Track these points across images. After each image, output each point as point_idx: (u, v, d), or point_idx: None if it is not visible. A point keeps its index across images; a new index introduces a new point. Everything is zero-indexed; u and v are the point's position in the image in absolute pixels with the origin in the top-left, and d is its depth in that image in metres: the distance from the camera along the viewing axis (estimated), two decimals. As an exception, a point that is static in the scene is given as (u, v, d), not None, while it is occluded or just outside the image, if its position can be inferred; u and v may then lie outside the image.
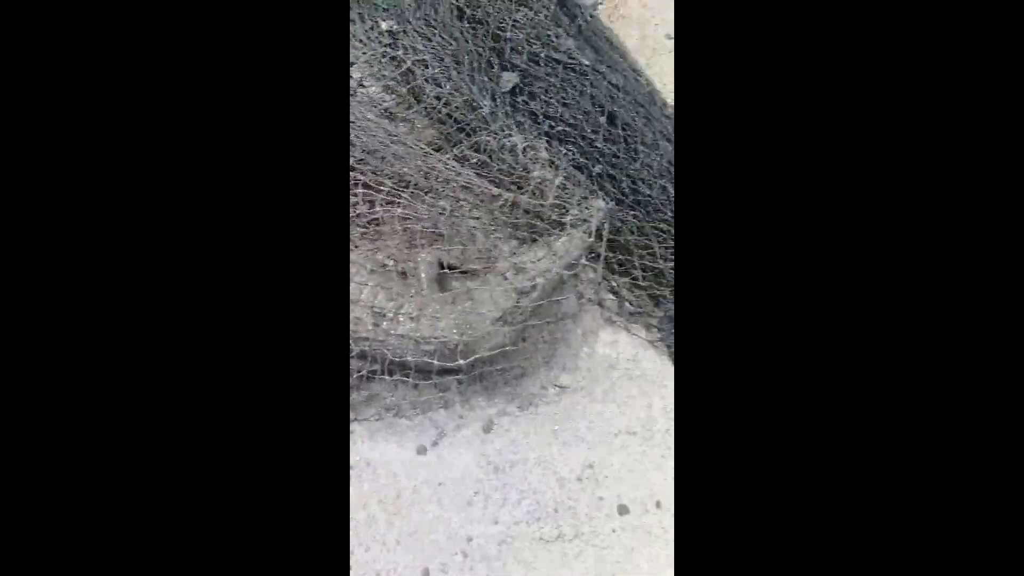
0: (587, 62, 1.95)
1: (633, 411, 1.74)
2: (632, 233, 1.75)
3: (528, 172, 1.76)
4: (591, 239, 1.65)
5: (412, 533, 1.56)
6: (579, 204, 1.69)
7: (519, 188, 1.76)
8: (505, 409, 1.73)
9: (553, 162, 1.77)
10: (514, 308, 1.58)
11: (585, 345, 1.80)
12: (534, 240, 1.71)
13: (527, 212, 1.73)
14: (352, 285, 1.58)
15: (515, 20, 2.13)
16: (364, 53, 2.15)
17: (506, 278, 1.63)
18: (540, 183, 1.74)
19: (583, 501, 1.62)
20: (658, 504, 1.62)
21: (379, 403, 1.69)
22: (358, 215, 1.85)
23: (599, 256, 1.75)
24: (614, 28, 2.34)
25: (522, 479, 1.65)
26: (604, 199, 1.73)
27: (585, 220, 1.65)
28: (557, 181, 1.70)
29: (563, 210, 1.68)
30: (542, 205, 1.69)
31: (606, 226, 1.70)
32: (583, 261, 1.61)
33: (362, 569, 1.52)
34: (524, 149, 1.78)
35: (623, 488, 1.64)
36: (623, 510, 1.61)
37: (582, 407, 1.75)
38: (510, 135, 1.81)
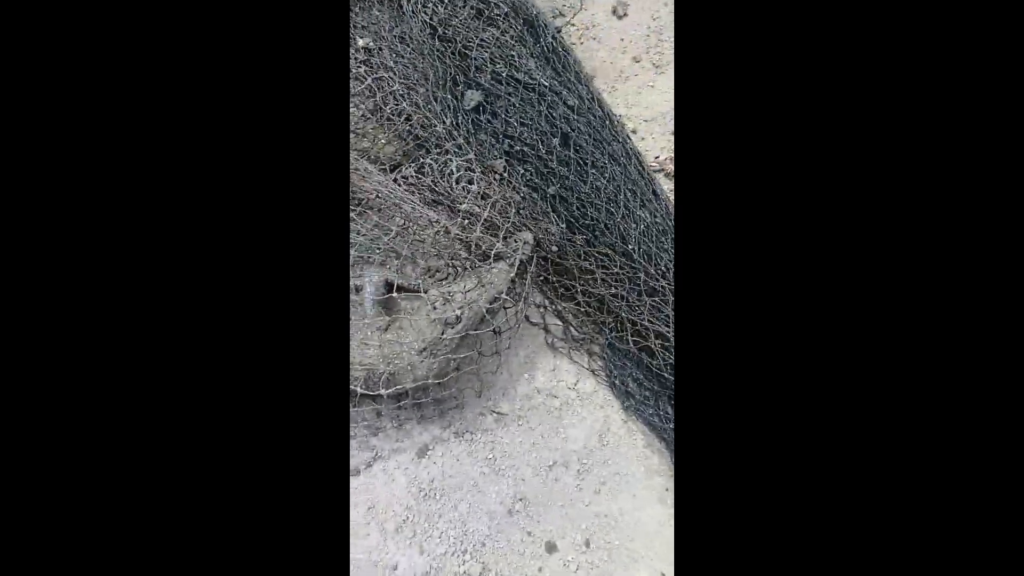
0: (546, 83, 1.88)
1: (569, 442, 1.66)
2: (578, 257, 1.67)
3: (459, 202, 1.70)
4: (514, 272, 1.57)
5: (338, 557, 1.51)
6: (507, 237, 1.62)
7: (454, 215, 1.71)
8: (441, 436, 1.66)
9: (486, 194, 1.71)
10: (438, 340, 1.52)
11: (525, 371, 1.72)
12: (464, 269, 1.64)
13: (459, 240, 1.67)
14: None
15: (482, 39, 2.08)
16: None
17: (435, 308, 1.57)
18: (470, 213, 1.68)
19: (512, 536, 1.54)
20: (587, 543, 1.52)
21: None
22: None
23: (521, 294, 1.68)
24: (581, 50, 2.26)
25: (452, 508, 1.58)
26: (547, 227, 1.66)
27: (512, 252, 1.57)
28: (486, 213, 1.64)
29: (491, 242, 1.62)
30: (469, 236, 1.63)
31: (533, 260, 1.63)
32: (504, 296, 1.53)
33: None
34: (458, 178, 1.73)
35: (553, 523, 1.55)
36: (551, 547, 1.52)
37: (519, 436, 1.67)
38: (450, 159, 1.76)
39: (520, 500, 1.58)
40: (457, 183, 1.71)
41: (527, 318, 1.77)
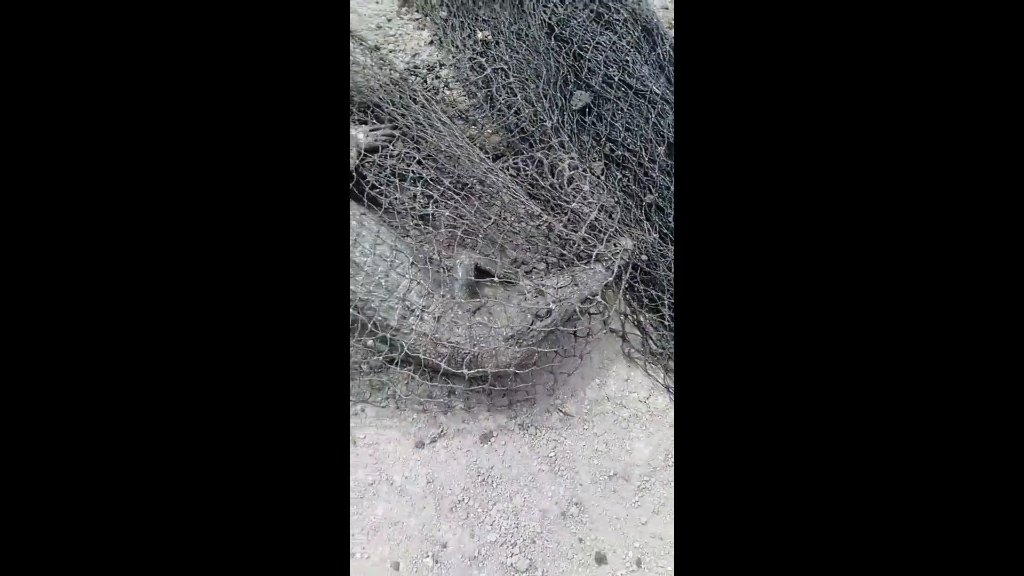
0: (658, 91, 1.80)
1: (633, 456, 1.58)
2: (668, 270, 1.58)
3: (568, 200, 1.66)
4: (611, 277, 1.52)
5: (394, 522, 1.53)
6: (608, 241, 1.56)
7: (558, 212, 1.67)
8: (506, 425, 1.64)
9: (592, 193, 1.66)
10: (527, 330, 1.49)
11: (598, 376, 1.66)
12: (560, 267, 1.60)
13: (560, 238, 1.63)
14: (393, 275, 1.59)
15: (598, 42, 2.03)
16: (455, 58, 2.17)
17: (526, 298, 1.54)
18: (577, 213, 1.64)
19: (563, 539, 1.49)
20: (638, 563, 1.44)
21: (389, 391, 1.68)
22: (413, 208, 1.86)
23: (612, 299, 1.61)
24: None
25: (507, 499, 1.55)
26: (640, 236, 1.58)
27: (611, 256, 1.52)
28: (594, 214, 1.59)
29: (592, 244, 1.57)
30: (572, 233, 1.59)
31: (629, 266, 1.56)
32: (598, 298, 1.48)
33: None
34: (570, 177, 1.69)
35: (606, 535, 1.48)
36: (600, 559, 1.46)
37: (583, 440, 1.61)
38: (561, 156, 1.72)
39: (575, 504, 1.52)
40: (569, 182, 1.67)
41: (605, 322, 1.71)
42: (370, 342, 1.62)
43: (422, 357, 1.56)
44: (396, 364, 1.60)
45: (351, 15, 2.33)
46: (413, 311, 1.57)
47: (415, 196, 1.90)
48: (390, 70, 2.06)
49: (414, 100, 1.97)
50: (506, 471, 1.59)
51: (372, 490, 1.57)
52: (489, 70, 1.99)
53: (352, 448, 1.63)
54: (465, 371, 1.49)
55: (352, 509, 1.54)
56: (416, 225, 1.87)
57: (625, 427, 1.61)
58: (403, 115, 1.96)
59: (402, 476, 1.58)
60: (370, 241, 1.61)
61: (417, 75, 2.11)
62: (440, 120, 1.94)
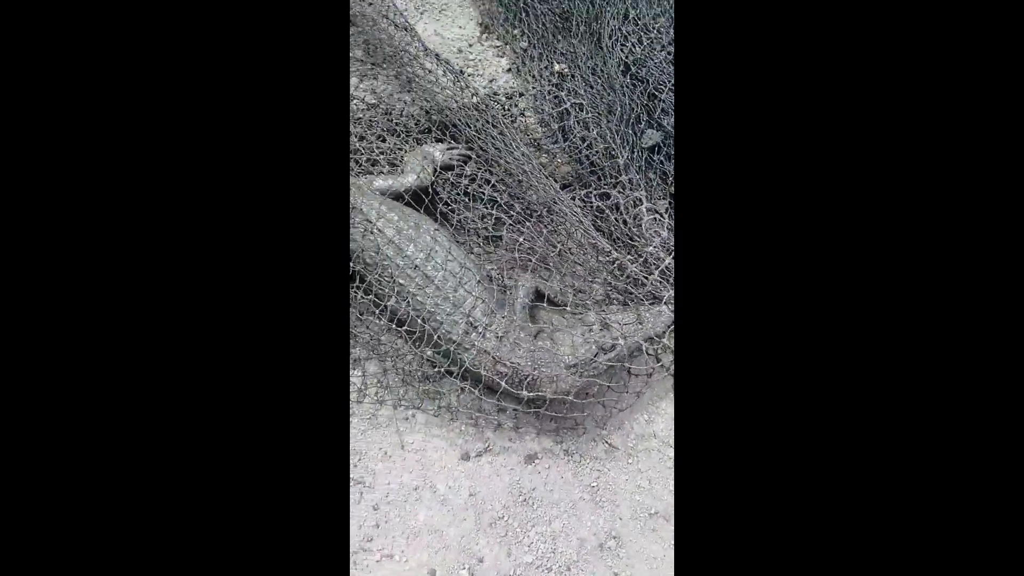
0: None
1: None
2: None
3: (647, 242, 1.69)
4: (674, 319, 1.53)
5: (434, 530, 1.55)
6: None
7: (630, 251, 1.70)
8: (551, 449, 1.65)
9: (666, 241, 1.68)
10: (590, 361, 1.52)
11: (646, 412, 1.66)
12: (626, 304, 1.63)
13: (629, 277, 1.66)
14: (461, 291, 1.63)
15: (673, 84, 2.06)
16: (533, 88, 2.23)
17: (591, 330, 1.56)
18: (652, 256, 1.66)
19: (598, 571, 1.49)
20: (675, 605, 1.43)
21: (442, 401, 1.72)
22: (484, 227, 1.91)
23: (670, 342, 1.62)
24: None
25: (547, 523, 1.56)
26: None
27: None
28: (668, 261, 1.61)
29: (663, 287, 1.59)
30: (646, 277, 1.61)
31: None
32: (664, 339, 1.49)
33: (376, 545, 1.54)
34: (646, 222, 1.71)
35: (642, 573, 1.47)
36: (636, 595, 1.45)
37: (626, 474, 1.61)
38: (639, 197, 1.75)
39: (614, 538, 1.52)
40: (646, 227, 1.70)
41: (659, 360, 1.71)
42: (429, 352, 1.66)
43: (483, 373, 1.59)
44: (455, 376, 1.64)
45: (435, 37, 2.43)
46: (476, 327, 1.60)
47: (483, 216, 1.96)
48: (471, 93, 2.14)
49: (492, 124, 2.04)
50: (547, 494, 1.60)
51: (416, 495, 1.60)
52: (568, 104, 2.04)
53: (399, 452, 1.67)
54: (525, 392, 1.52)
55: (395, 512, 1.57)
56: (482, 244, 1.92)
57: (670, 466, 1.60)
58: (479, 137, 2.02)
59: (446, 485, 1.61)
60: (442, 256, 1.66)
61: (496, 101, 2.18)
62: (516, 146, 2.00)
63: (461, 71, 2.17)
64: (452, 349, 1.62)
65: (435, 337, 1.59)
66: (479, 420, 1.69)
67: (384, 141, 2.04)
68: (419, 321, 1.60)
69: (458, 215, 1.91)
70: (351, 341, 1.78)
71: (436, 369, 1.69)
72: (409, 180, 1.83)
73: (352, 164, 1.98)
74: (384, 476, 1.62)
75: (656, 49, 2.23)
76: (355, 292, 1.72)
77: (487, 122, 2.03)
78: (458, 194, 1.97)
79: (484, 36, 2.54)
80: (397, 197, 1.82)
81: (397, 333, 1.70)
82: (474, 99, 2.12)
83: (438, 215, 1.85)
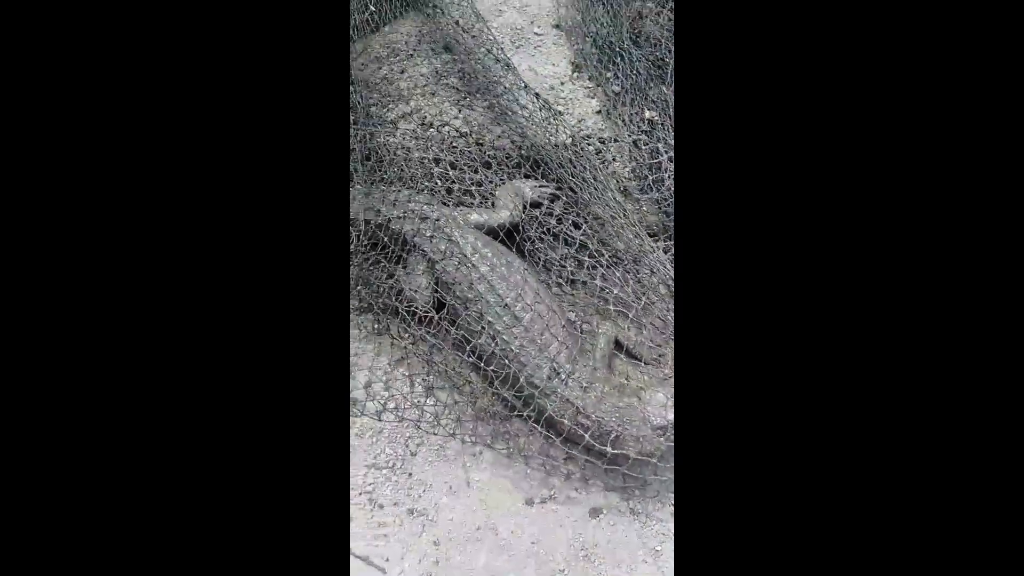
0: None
1: None
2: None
3: None
4: None
5: (492, 571, 1.52)
6: None
7: None
8: (616, 506, 1.61)
9: None
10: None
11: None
12: None
13: None
14: (547, 334, 1.61)
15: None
16: (627, 134, 2.21)
17: None
18: None
19: (660, 641, 1.43)
20: None
21: (513, 442, 1.69)
22: (568, 270, 1.89)
23: None
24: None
25: (608, 583, 1.51)
26: None
27: None
28: None
29: None
30: None
31: None
32: None
33: (427, 569, 1.51)
34: None
35: (709, 653, 1.41)
36: (701, 677, 1.38)
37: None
38: None
39: (679, 610, 1.47)
40: None
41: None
42: (507, 394, 1.64)
43: (567, 423, 1.56)
44: (531, 420, 1.61)
45: (529, 73, 2.45)
46: (559, 374, 1.58)
47: (565, 257, 1.94)
48: (563, 131, 2.14)
49: (583, 166, 2.03)
50: (610, 553, 1.55)
51: (478, 535, 1.57)
52: (664, 157, 2.02)
53: (465, 488, 1.64)
54: (609, 449, 1.48)
55: (455, 551, 1.54)
56: (564, 287, 1.90)
57: (744, 543, 1.54)
58: (571, 177, 2.01)
59: (508, 530, 1.57)
60: (531, 297, 1.65)
61: (589, 143, 2.18)
62: (606, 190, 1.99)
63: (559, 112, 2.18)
64: (535, 395, 1.60)
65: (520, 380, 1.57)
66: (547, 465, 1.66)
67: (476, 172, 2.05)
68: (505, 361, 1.58)
69: (544, 255, 1.90)
70: (425, 368, 1.78)
71: (510, 408, 1.66)
72: (503, 216, 1.83)
73: (442, 192, 2.00)
74: (447, 511, 1.60)
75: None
76: (439, 320, 1.72)
77: (579, 163, 2.03)
78: (544, 233, 1.96)
79: (575, 75, 2.54)
80: (490, 233, 1.82)
81: (478, 369, 1.69)
82: (567, 139, 2.12)
83: (527, 254, 1.84)
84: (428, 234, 1.74)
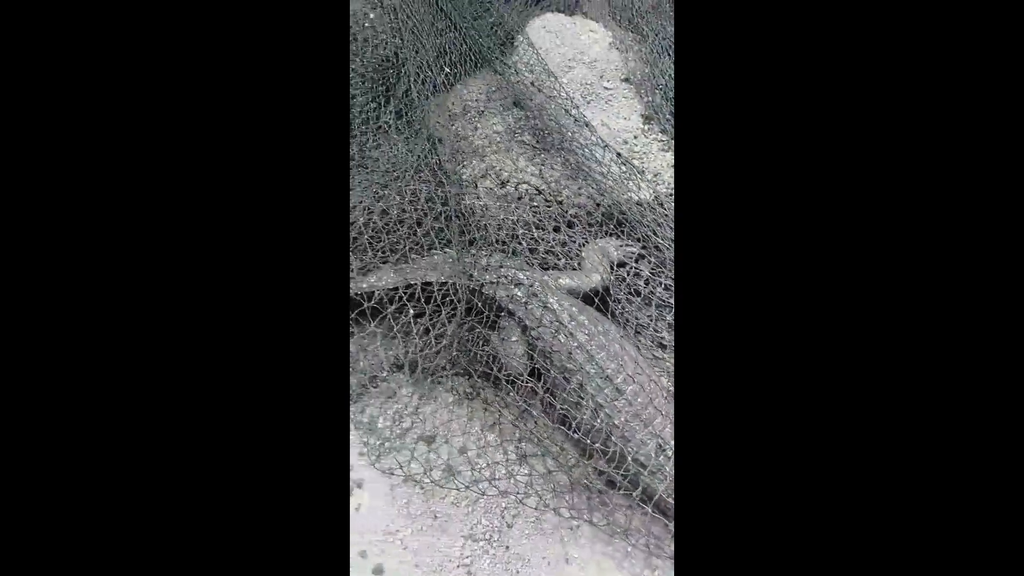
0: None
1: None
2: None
3: None
4: None
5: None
6: None
7: None
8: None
9: None
10: None
11: None
12: None
13: None
14: (651, 408, 1.56)
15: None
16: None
17: None
18: None
19: None
20: None
21: (612, 518, 1.62)
22: (659, 334, 1.84)
23: None
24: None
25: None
26: None
27: None
28: None
29: None
30: None
31: None
32: None
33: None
34: None
35: None
36: None
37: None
38: None
39: None
40: None
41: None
42: (609, 470, 1.58)
43: (673, 502, 1.49)
44: (634, 497, 1.55)
45: (602, 128, 2.45)
46: (665, 450, 1.52)
47: (655, 319, 1.89)
48: (645, 189, 2.11)
49: (669, 224, 2.00)
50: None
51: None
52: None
53: (563, 565, 1.58)
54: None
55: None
56: (656, 352, 1.84)
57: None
58: (655, 235, 1.98)
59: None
60: (631, 368, 1.60)
61: (671, 199, 2.14)
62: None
63: (641, 170, 2.16)
64: (643, 474, 1.52)
65: (628, 458, 1.51)
66: (650, 544, 1.58)
67: (559, 231, 2.04)
68: (612, 438, 1.53)
69: (636, 319, 1.86)
70: (515, 432, 1.74)
71: (608, 483, 1.60)
72: (595, 280, 1.80)
73: (526, 252, 1.98)
74: (548, 590, 1.54)
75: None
76: (539, 389, 1.68)
77: (664, 221, 1.99)
78: (631, 294, 1.92)
79: (647, 128, 2.53)
80: (583, 298, 1.79)
81: (579, 444, 1.64)
82: (650, 196, 2.09)
83: (619, 321, 1.80)
84: (522, 299, 1.72)
